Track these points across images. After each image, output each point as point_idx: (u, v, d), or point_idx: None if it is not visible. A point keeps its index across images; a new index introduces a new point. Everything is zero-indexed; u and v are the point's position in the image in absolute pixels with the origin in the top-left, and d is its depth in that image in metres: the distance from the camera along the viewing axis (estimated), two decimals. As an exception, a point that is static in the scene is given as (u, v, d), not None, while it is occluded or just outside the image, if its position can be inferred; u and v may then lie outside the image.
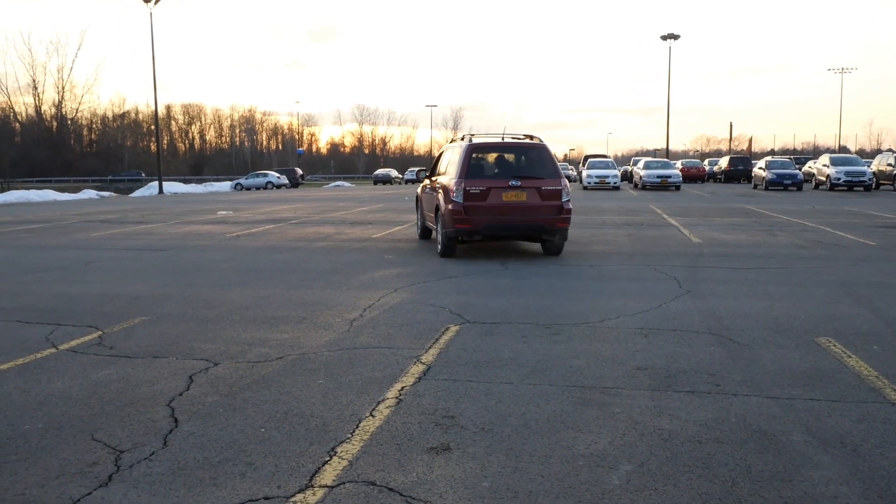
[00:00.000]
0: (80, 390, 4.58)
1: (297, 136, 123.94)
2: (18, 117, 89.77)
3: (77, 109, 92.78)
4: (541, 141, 11.45)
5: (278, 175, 57.91)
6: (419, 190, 13.85)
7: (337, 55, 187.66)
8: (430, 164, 13.67)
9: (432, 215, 11.93)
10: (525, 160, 11.09)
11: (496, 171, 10.99)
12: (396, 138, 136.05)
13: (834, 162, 34.31)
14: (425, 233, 13.47)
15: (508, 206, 10.41)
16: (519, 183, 10.44)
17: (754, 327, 6.07)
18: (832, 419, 3.96)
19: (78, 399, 4.41)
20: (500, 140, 11.69)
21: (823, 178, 34.53)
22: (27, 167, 72.57)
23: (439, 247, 11.12)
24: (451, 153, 11.62)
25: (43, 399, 4.42)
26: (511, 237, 11.34)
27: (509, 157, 11.32)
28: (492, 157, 11.22)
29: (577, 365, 5.02)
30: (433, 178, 12.34)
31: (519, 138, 11.76)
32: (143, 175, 69.82)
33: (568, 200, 10.65)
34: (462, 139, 11.57)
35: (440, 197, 11.05)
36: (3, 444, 3.71)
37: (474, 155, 10.77)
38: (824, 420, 3.94)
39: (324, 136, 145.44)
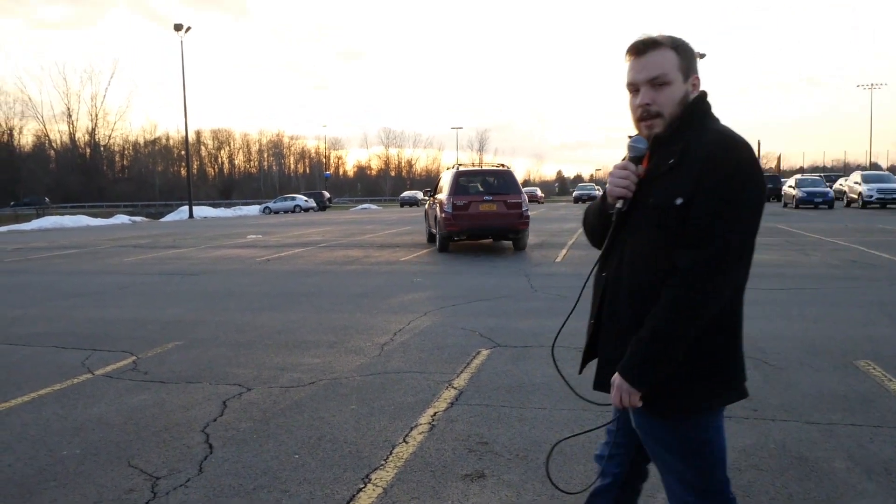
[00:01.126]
0: (117, 416, 4.63)
1: (324, 160, 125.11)
2: (53, 144, 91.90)
3: (110, 136, 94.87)
4: (508, 168, 16.09)
5: (306, 198, 58.39)
6: (426, 206, 18.39)
7: (363, 79, 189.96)
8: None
9: (434, 223, 16.16)
10: (496, 181, 15.32)
11: (476, 189, 15.14)
12: (422, 160, 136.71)
13: (866, 179, 33.85)
14: (431, 237, 17.17)
15: (484, 214, 14.53)
16: (491, 198, 14.62)
17: (790, 350, 5.97)
18: (875, 445, 3.87)
19: (114, 425, 4.46)
20: (479, 168, 17.59)
21: (855, 196, 34.08)
22: (62, 193, 74.02)
23: (437, 245, 15.55)
24: (446, 177, 15.77)
25: (80, 425, 4.47)
26: (487, 236, 15.51)
27: (485, 179, 15.60)
28: (473, 179, 15.55)
29: (610, 389, 4.96)
30: (434, 196, 16.40)
31: (494, 166, 16.79)
32: (48, 200, 68.62)
33: (526, 210, 14.74)
34: (453, 167, 16.24)
35: (437, 209, 15.36)
36: (43, 470, 3.76)
37: (460, 179, 15.09)
38: (866, 446, 3.85)
39: (350, 160, 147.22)
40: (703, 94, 2.02)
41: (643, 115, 1.99)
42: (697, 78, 2.00)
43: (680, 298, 1.83)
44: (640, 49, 1.98)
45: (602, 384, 2.06)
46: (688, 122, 1.96)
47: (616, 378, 1.93)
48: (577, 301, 2.21)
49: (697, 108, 1.99)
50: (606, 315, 2.05)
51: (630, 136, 2.05)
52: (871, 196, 32.29)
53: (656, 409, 1.96)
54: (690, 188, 1.85)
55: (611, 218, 2.03)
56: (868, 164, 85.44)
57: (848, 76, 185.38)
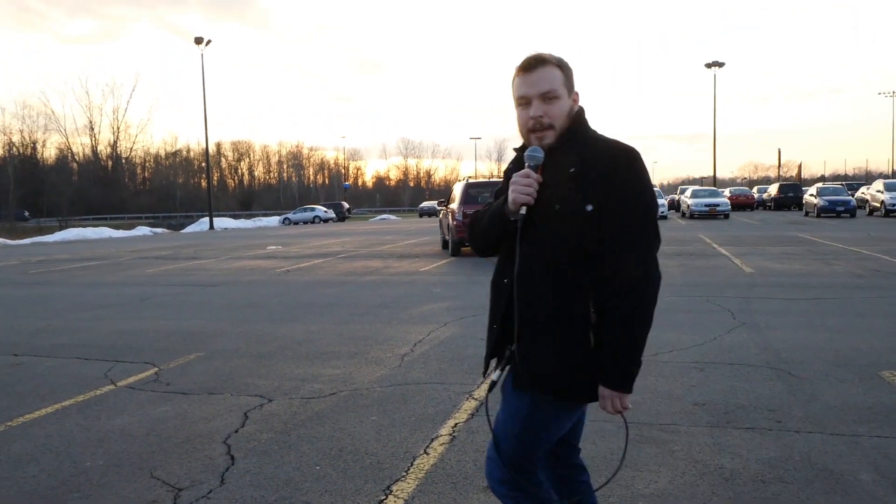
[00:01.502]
0: (139, 427, 4.66)
1: (343, 171, 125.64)
2: (76, 157, 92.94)
3: (131, 149, 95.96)
4: None
5: (325, 209, 58.72)
6: (440, 215, 20.48)
7: (382, 90, 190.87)
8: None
9: (447, 230, 18.03)
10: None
11: (484, 199, 16.13)
12: (441, 171, 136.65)
13: (888, 187, 33.42)
14: (445, 244, 18.77)
15: None
16: None
17: (814, 360, 5.91)
18: (902, 457, 3.81)
19: (137, 436, 4.49)
20: (487, 180, 20.43)
21: (877, 204, 33.67)
22: (84, 206, 74.78)
23: (450, 250, 17.50)
24: (457, 189, 17.54)
25: (103, 436, 4.51)
26: None
27: (492, 190, 17.99)
28: (481, 190, 16.94)
29: (632, 401, 4.88)
30: (447, 206, 18.28)
31: (501, 178, 19.05)
32: (27, 214, 68.54)
33: None
34: (463, 180, 18.01)
35: (450, 217, 17.21)
36: (66, 482, 3.79)
37: (470, 190, 16.77)
38: (893, 459, 3.80)
39: (369, 170, 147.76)
40: (582, 109, 2.21)
41: (536, 127, 2.13)
42: (577, 94, 2.20)
43: (632, 310, 2.03)
44: (531, 65, 2.12)
45: (523, 383, 2.17)
46: (575, 133, 2.13)
47: (604, 391, 2.10)
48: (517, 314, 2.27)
49: (581, 121, 2.18)
50: (521, 319, 2.12)
51: (516, 149, 2.25)
52: (894, 204, 31.89)
53: (561, 392, 2.12)
54: (599, 196, 2.03)
55: (511, 224, 2.14)
56: (890, 172, 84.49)
57: (869, 84, 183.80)
